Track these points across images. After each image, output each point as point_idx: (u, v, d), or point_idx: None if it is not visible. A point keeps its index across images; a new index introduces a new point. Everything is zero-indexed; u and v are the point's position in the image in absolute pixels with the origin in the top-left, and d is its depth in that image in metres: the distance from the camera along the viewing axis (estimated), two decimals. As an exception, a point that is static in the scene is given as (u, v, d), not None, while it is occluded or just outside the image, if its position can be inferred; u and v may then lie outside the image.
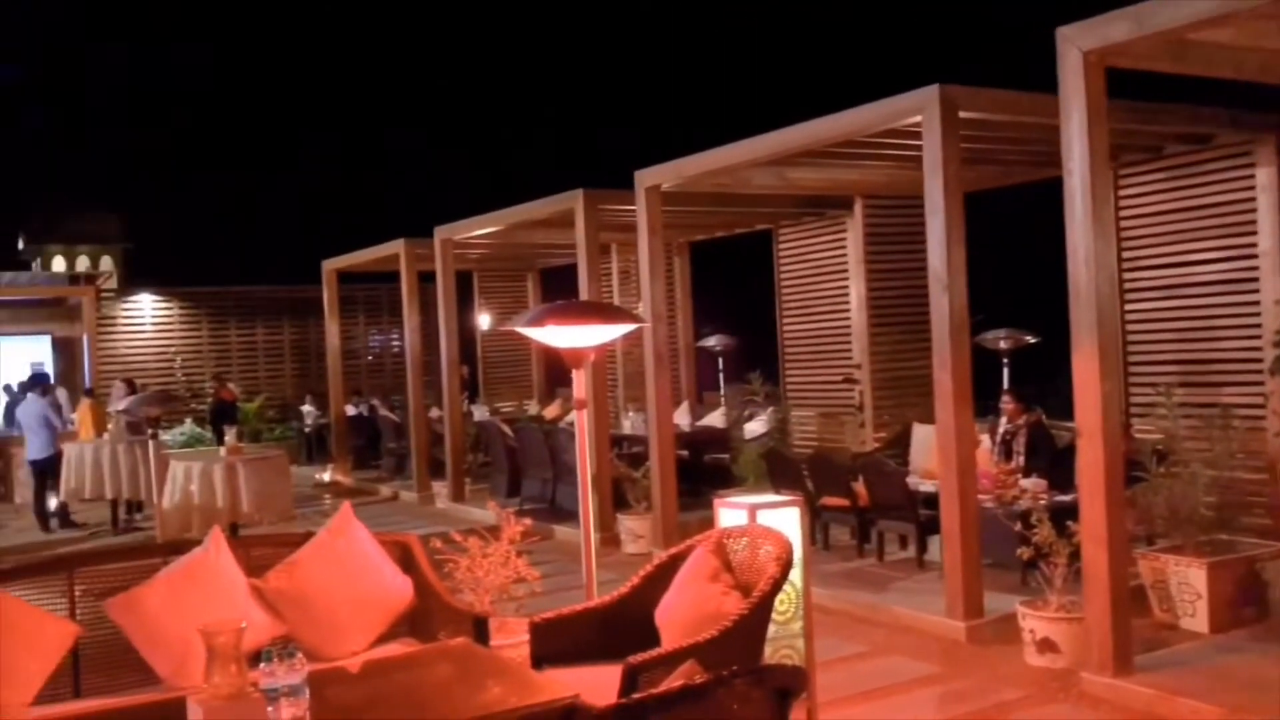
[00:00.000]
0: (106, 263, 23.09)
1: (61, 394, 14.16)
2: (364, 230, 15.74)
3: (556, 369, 17.68)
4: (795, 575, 4.41)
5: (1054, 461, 7.79)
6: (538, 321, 4.57)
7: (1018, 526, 6.16)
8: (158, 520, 9.58)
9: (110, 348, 18.34)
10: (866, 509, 8.14)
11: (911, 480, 7.99)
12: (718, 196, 10.44)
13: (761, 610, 3.83)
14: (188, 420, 16.70)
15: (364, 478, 15.27)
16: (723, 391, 13.50)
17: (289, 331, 20.57)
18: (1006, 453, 8.10)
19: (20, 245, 24.03)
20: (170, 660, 4.03)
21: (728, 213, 11.94)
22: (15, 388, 15.70)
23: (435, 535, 5.62)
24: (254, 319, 20.24)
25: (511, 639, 4.99)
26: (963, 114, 6.50)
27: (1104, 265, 5.35)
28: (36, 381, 13.05)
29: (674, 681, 2.71)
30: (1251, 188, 7.88)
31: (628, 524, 9.40)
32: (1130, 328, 8.65)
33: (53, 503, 12.45)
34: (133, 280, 20.66)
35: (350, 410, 16.70)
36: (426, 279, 14.00)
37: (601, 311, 5.07)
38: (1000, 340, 10.20)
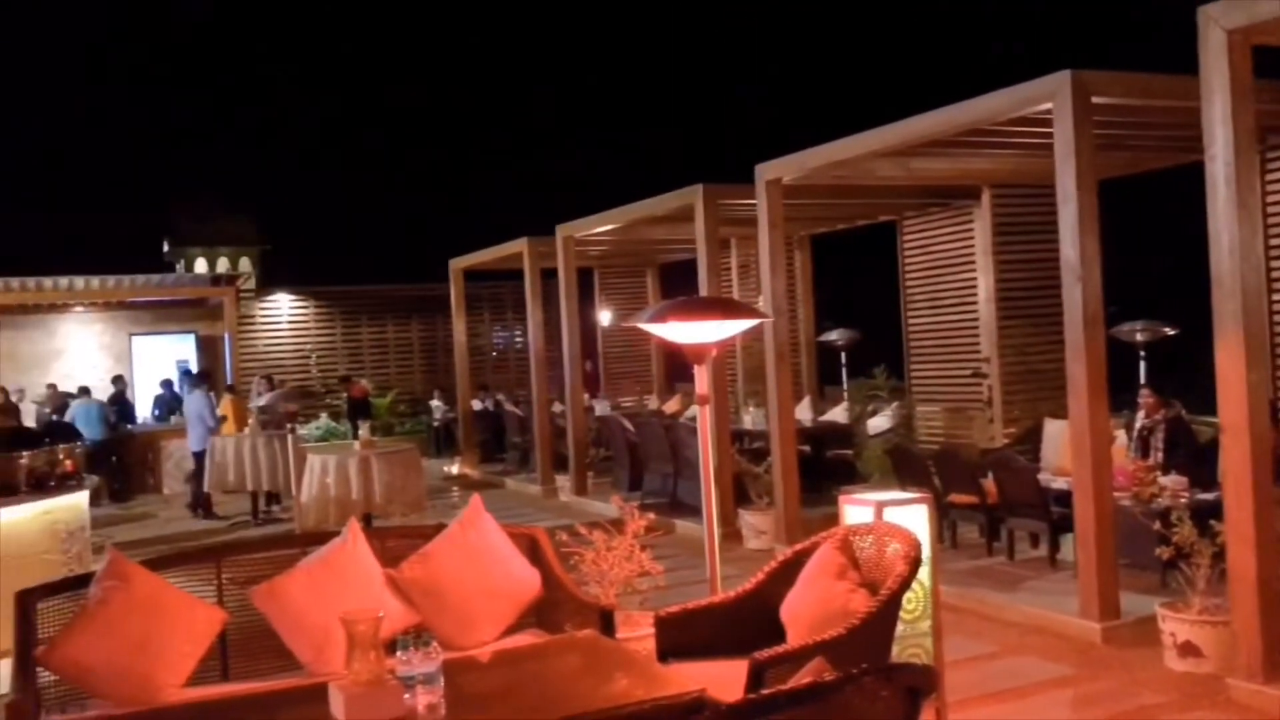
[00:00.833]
0: (245, 264, 24.06)
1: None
2: (489, 229, 16.04)
3: (677, 364, 17.72)
4: (923, 573, 4.34)
5: (1194, 458, 7.48)
6: (660, 317, 4.61)
7: (1156, 525, 5.95)
8: (296, 512, 9.97)
9: (250, 345, 19.13)
10: (996, 506, 7.95)
11: (1043, 477, 7.78)
12: (840, 189, 10.32)
13: (889, 608, 3.79)
14: (323, 415, 17.32)
15: (490, 471, 15.59)
16: (845, 386, 13.33)
17: (418, 329, 21.14)
18: (1144, 449, 7.81)
19: (165, 248, 25.18)
20: (311, 646, 4.19)
21: (850, 205, 11.79)
22: (177, 383, 16.56)
23: (560, 528, 5.71)
24: (384, 317, 20.86)
25: (636, 632, 5.03)
26: (1096, 99, 6.29)
27: (1250, 253, 5.12)
28: (200, 378, 13.78)
29: (803, 678, 2.70)
30: None
31: (749, 519, 9.38)
32: (1279, 318, 8.25)
33: (195, 497, 13.09)
34: (270, 280, 21.47)
35: (476, 405, 17.07)
36: (549, 276, 14.22)
37: (723, 307, 5.08)
38: (1137, 332, 9.83)
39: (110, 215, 34.44)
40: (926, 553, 4.33)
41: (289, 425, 10.62)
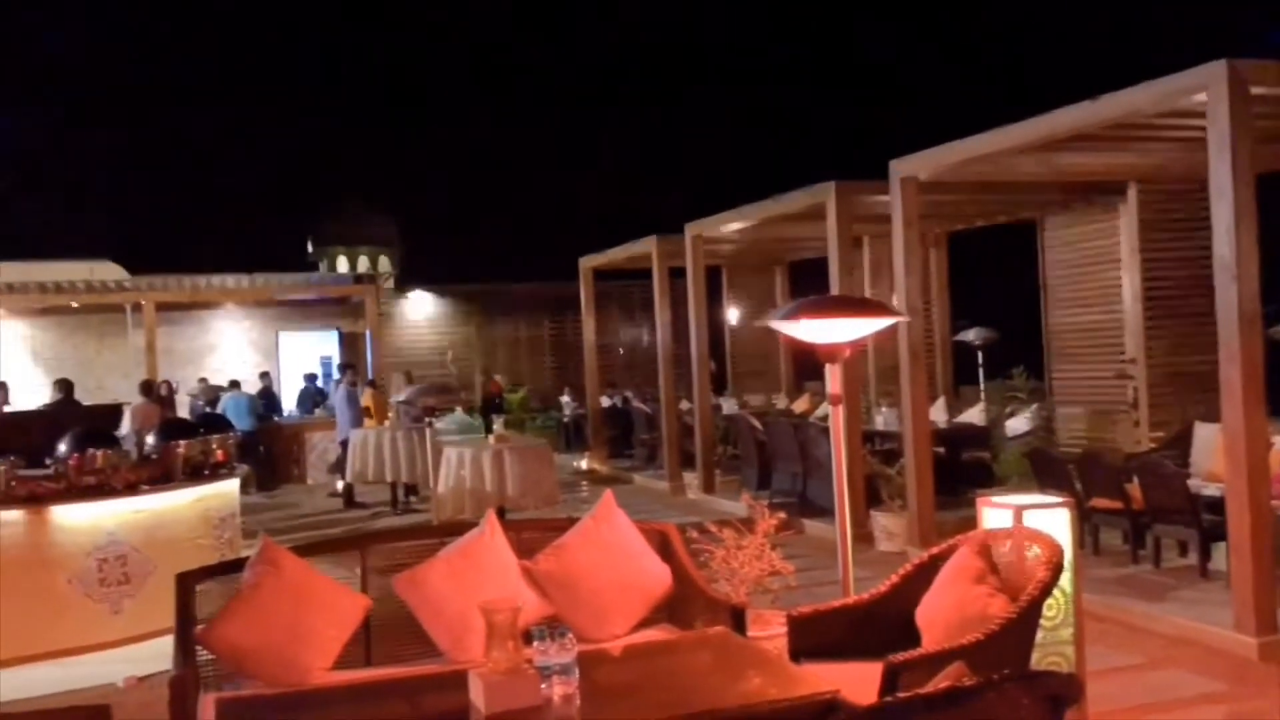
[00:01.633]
0: (385, 263, 24.82)
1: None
2: (619, 228, 16.20)
3: (806, 363, 17.56)
4: (1065, 580, 4.21)
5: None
6: (793, 317, 4.58)
7: (1319, 537, 5.63)
8: (434, 502, 10.26)
9: (389, 342, 19.75)
10: (1141, 512, 7.65)
11: (1193, 483, 7.44)
12: (978, 185, 10.07)
13: (1030, 614, 3.70)
14: (458, 409, 17.75)
15: (618, 466, 15.74)
16: (982, 387, 13.00)
17: (548, 326, 21.51)
18: (1305, 456, 7.39)
19: (309, 249, 26.14)
20: (450, 634, 4.31)
21: (989, 201, 11.49)
22: (321, 377, 17.28)
23: (689, 525, 5.73)
24: (517, 315, 21.30)
25: (767, 631, 5.02)
26: (1254, 90, 5.99)
27: None
28: (346, 371, 14.40)
29: (940, 682, 2.66)
30: None
31: (881, 521, 9.24)
32: None
33: (340, 484, 13.61)
34: (408, 279, 22.11)
35: (605, 402, 17.26)
36: (677, 274, 14.28)
37: (857, 306, 5.03)
38: (1296, 333, 9.32)
39: (259, 218, 36.01)
40: (1068, 558, 4.20)
41: (427, 419, 10.93)
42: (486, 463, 9.78)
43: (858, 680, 3.48)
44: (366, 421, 13.15)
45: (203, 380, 16.98)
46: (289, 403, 17.91)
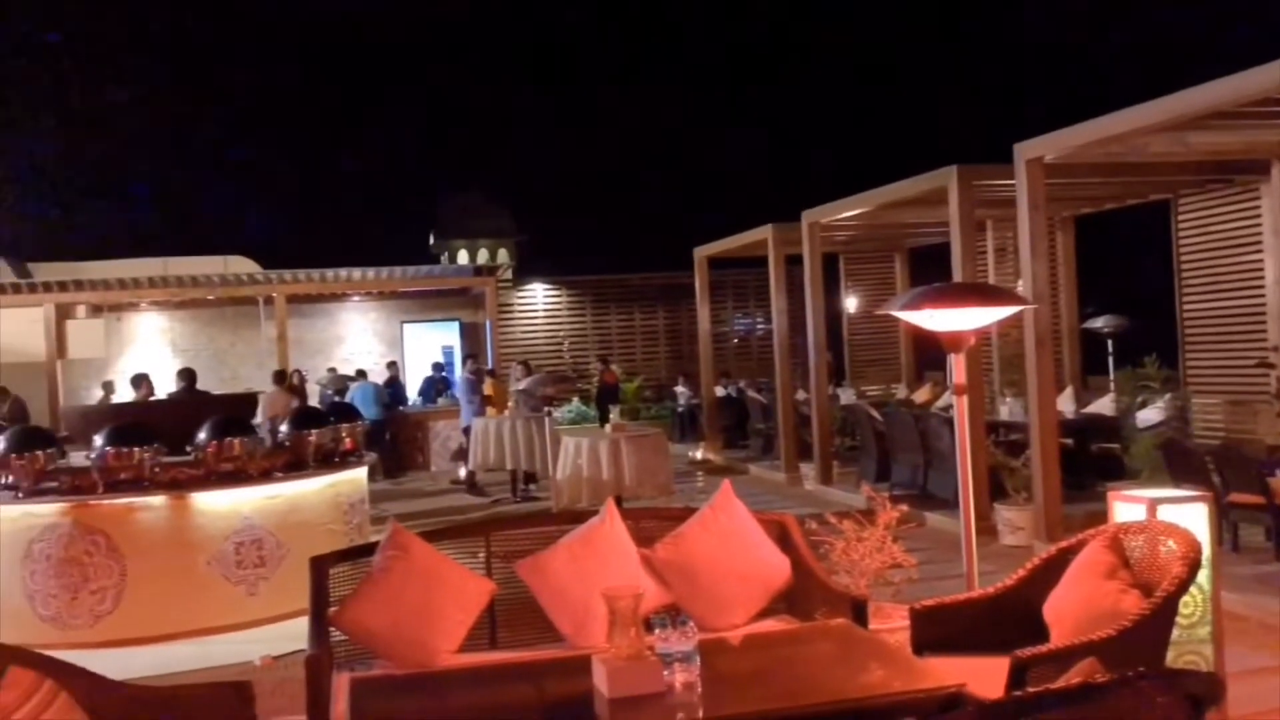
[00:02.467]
0: (503, 255, 25.21)
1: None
2: (734, 217, 16.14)
3: (926, 352, 17.24)
4: (1202, 576, 4.06)
5: None
6: (915, 304, 4.51)
7: None
8: (553, 490, 10.40)
9: (508, 332, 20.09)
10: (1285, 508, 7.30)
11: (1343, 478, 7.07)
12: (1107, 166, 9.72)
13: (1165, 611, 3.57)
14: (575, 399, 17.96)
15: (733, 457, 15.71)
16: (1112, 376, 12.56)
17: (663, 316, 21.58)
18: None
19: (431, 241, 26.71)
20: (572, 620, 4.37)
21: (1119, 183, 11.09)
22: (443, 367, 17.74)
23: (807, 516, 5.69)
24: (632, 305, 21.42)
25: (888, 624, 4.97)
26: None
27: None
28: (468, 360, 14.77)
29: (1072, 678, 2.59)
30: None
31: (1005, 515, 9.02)
32: None
33: (462, 471, 13.92)
34: (526, 270, 22.44)
35: (719, 391, 17.23)
36: (793, 262, 14.16)
37: (982, 293, 4.92)
38: None
39: (383, 213, 36.98)
40: (1206, 554, 4.05)
41: (545, 408, 11.09)
42: (603, 452, 9.88)
43: (983, 675, 3.41)
44: (488, 410, 13.42)
45: (331, 370, 17.56)
46: (413, 392, 18.39)
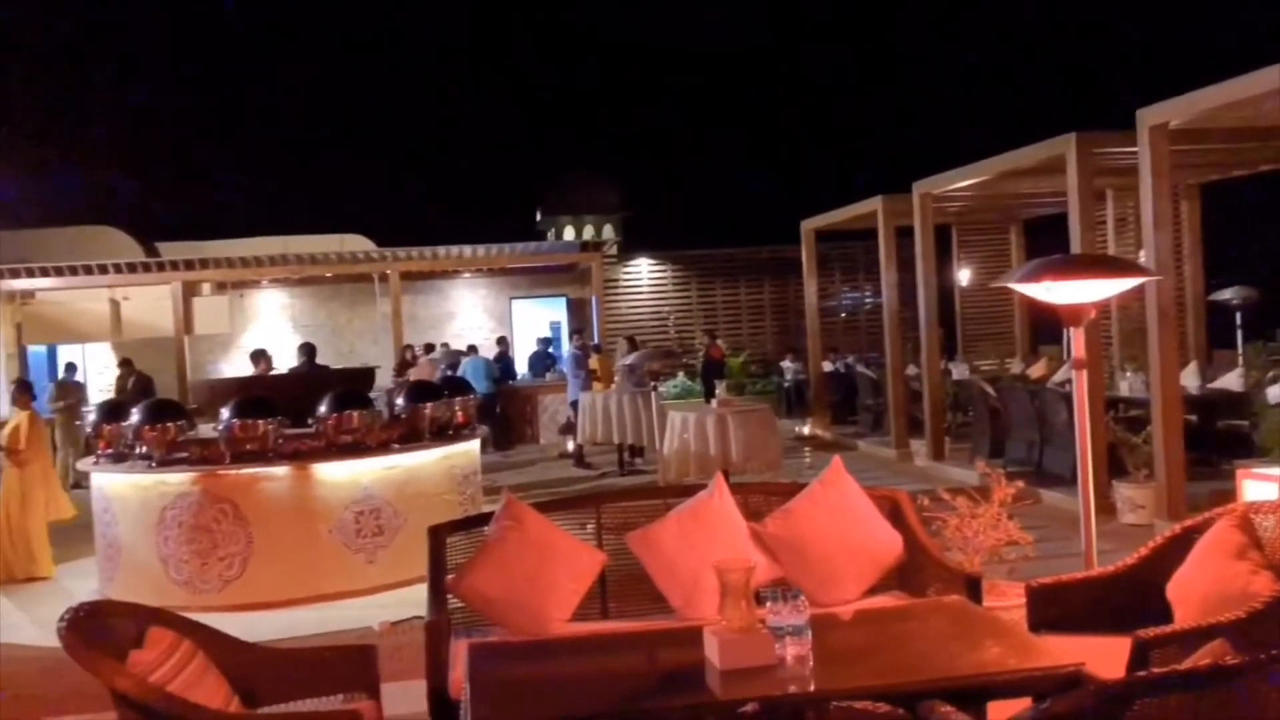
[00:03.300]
0: (609, 231, 25.36)
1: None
2: (840, 189, 15.92)
3: (1042, 326, 16.79)
4: (1340, 559, 3.89)
5: None
6: (1033, 276, 4.41)
7: None
8: (660, 464, 10.47)
9: (614, 307, 20.22)
10: None
11: None
12: (1237, 132, 9.31)
13: (1299, 594, 3.44)
14: (680, 374, 18.02)
15: (841, 432, 15.56)
16: (1240, 350, 12.06)
17: (769, 290, 21.45)
18: None
19: (537, 218, 27.00)
20: (682, 592, 4.41)
21: (1248, 149, 10.60)
22: (574, 342, 17.99)
23: (918, 493, 5.61)
24: (738, 279, 21.35)
25: (1003, 602, 4.88)
26: None
27: None
28: (575, 335, 14.99)
29: (1200, 659, 2.52)
30: None
31: (1125, 492, 8.76)
32: None
33: (570, 445, 14.10)
34: (631, 246, 22.52)
35: (827, 366, 17.07)
36: (903, 235, 13.90)
37: (1103, 264, 4.79)
38: None
39: (491, 191, 37.49)
40: (1345, 536, 3.87)
41: (651, 383, 11.15)
42: (710, 426, 9.89)
43: (1102, 654, 3.35)
44: (594, 385, 13.55)
45: (444, 345, 17.92)
46: (522, 366, 18.67)
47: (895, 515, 4.69)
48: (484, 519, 4.73)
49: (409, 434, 8.24)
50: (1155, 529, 7.42)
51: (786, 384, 18.80)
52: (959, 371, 14.92)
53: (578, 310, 20.58)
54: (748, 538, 4.56)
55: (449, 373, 14.69)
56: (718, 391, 10.87)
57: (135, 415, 7.90)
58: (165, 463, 7.67)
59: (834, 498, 4.66)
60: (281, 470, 7.63)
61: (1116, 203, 13.57)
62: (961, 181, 11.83)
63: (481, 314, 20.71)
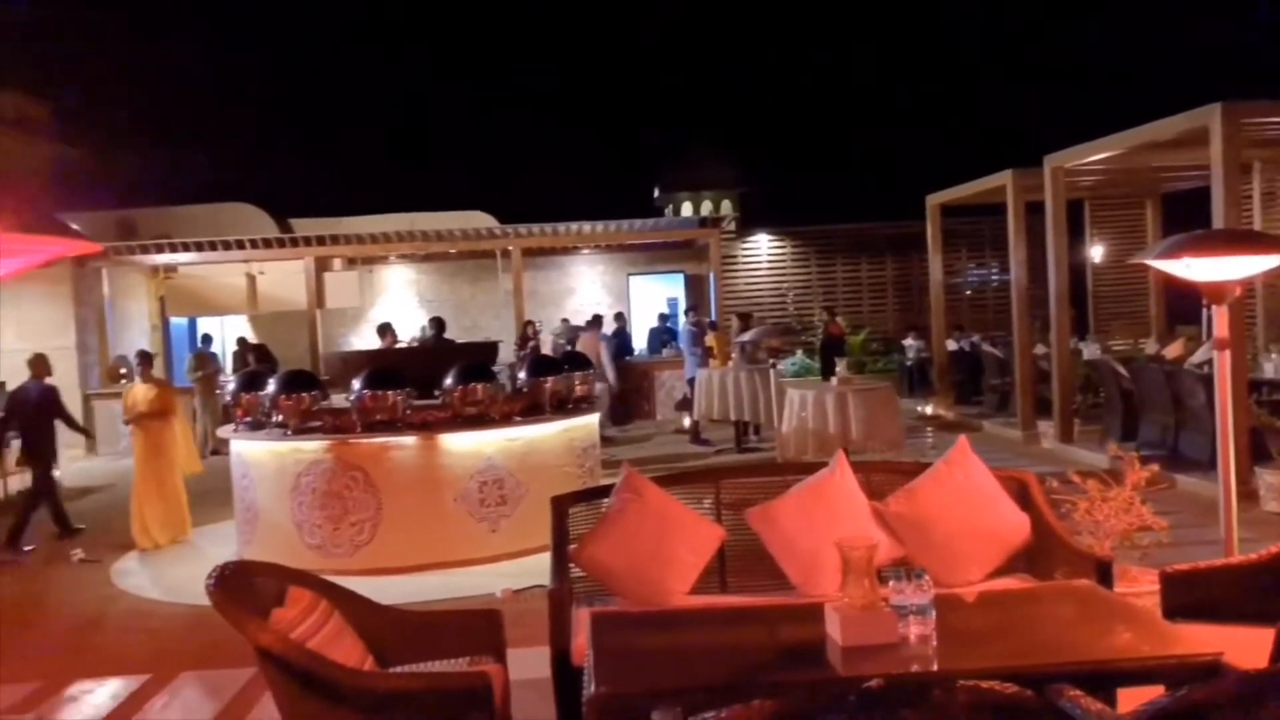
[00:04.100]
0: (727, 207, 25.20)
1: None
2: (965, 163, 15.50)
3: (1178, 304, 16.13)
4: None
5: None
6: (1173, 253, 4.26)
7: None
8: (778, 442, 10.43)
9: (732, 284, 20.15)
10: None
11: None
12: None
13: None
14: (798, 351, 17.86)
15: (965, 413, 15.24)
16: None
17: (891, 267, 21.06)
18: None
19: (656, 194, 27.00)
20: (801, 569, 4.41)
21: None
22: (689, 319, 18.05)
23: (1047, 475, 5.48)
24: (859, 255, 21.02)
25: (1135, 588, 4.75)
26: None
27: None
28: (691, 311, 15.03)
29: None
30: None
31: (1268, 479, 8.38)
32: None
33: (686, 421, 14.14)
34: (749, 222, 22.35)
35: (951, 345, 16.71)
36: (1033, 210, 13.50)
37: (1248, 241, 4.58)
38: None
39: (610, 168, 37.68)
40: None
41: (770, 360, 11.09)
42: (830, 405, 9.80)
43: (1242, 645, 3.23)
44: (711, 362, 13.55)
45: (564, 320, 18.15)
46: (640, 342, 18.78)
47: (1023, 497, 4.60)
48: (603, 491, 4.80)
49: (530, 407, 8.39)
50: (1300, 518, 7.09)
51: (909, 362, 18.46)
52: (1090, 351, 14.45)
53: (695, 287, 20.56)
54: (869, 516, 4.53)
55: (568, 348, 14.88)
56: (838, 369, 10.74)
57: (271, 385, 8.24)
58: (300, 431, 7.97)
59: (959, 478, 4.58)
60: (409, 440, 7.86)
61: (1264, 176, 12.91)
62: (1097, 155, 11.42)
63: (600, 290, 20.89)
